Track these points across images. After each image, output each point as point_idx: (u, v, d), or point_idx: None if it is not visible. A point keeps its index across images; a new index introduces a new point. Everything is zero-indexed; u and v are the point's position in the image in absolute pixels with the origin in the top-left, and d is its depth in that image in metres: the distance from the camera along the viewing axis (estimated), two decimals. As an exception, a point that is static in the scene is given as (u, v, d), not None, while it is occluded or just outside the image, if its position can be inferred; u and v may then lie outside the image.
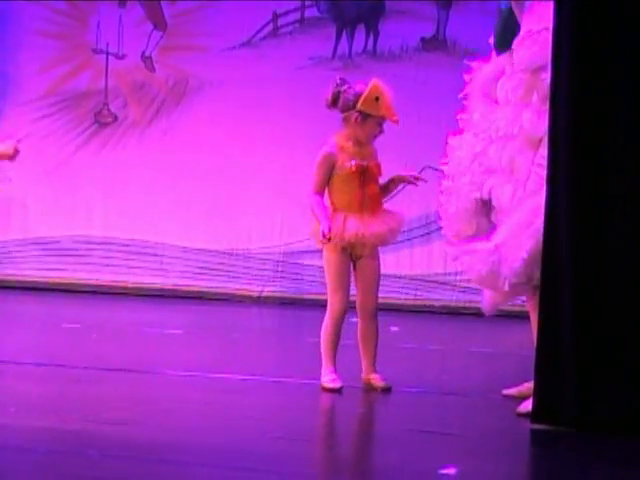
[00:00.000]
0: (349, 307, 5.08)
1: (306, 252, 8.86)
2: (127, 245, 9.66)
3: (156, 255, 9.62)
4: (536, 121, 4.63)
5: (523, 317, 8.71)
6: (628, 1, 4.16)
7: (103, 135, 9.80)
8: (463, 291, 9.15)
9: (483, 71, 5.10)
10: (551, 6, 4.43)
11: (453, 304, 9.16)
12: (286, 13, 9.52)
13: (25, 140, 9.80)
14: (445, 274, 9.23)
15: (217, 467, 3.49)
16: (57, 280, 9.66)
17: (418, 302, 9.21)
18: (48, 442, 3.76)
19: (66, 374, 5.21)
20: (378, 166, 5.19)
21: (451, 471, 3.47)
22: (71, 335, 6.81)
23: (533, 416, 4.26)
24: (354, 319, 5.25)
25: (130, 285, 9.55)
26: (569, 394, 4.17)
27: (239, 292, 9.33)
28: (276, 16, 9.50)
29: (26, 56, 9.90)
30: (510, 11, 4.88)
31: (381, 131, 5.14)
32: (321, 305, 7.03)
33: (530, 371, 4.35)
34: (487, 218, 4.90)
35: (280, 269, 9.37)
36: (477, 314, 8.91)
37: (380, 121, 5.10)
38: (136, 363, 5.55)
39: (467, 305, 9.11)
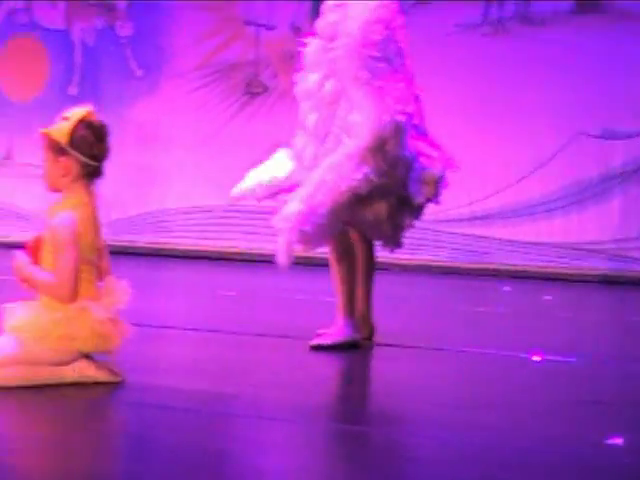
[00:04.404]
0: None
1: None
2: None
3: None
4: (332, 85, 4.92)
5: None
6: None
7: (254, 105, 9.92)
8: (623, 260, 8.95)
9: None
10: None
11: (608, 272, 8.97)
12: (434, -22, 9.42)
13: (180, 111, 10.03)
14: (598, 242, 9.04)
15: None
16: (209, 249, 9.86)
17: (573, 271, 9.05)
18: (193, 402, 3.83)
19: (215, 339, 5.31)
20: None
21: (618, 441, 3.40)
22: (227, 302, 6.93)
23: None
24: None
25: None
26: None
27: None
28: (425, -18, 9.41)
29: (179, 29, 10.09)
30: None
31: None
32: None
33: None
34: None
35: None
36: (633, 283, 8.73)
37: None
38: (289, 329, 5.60)
39: (623, 274, 8.91)
